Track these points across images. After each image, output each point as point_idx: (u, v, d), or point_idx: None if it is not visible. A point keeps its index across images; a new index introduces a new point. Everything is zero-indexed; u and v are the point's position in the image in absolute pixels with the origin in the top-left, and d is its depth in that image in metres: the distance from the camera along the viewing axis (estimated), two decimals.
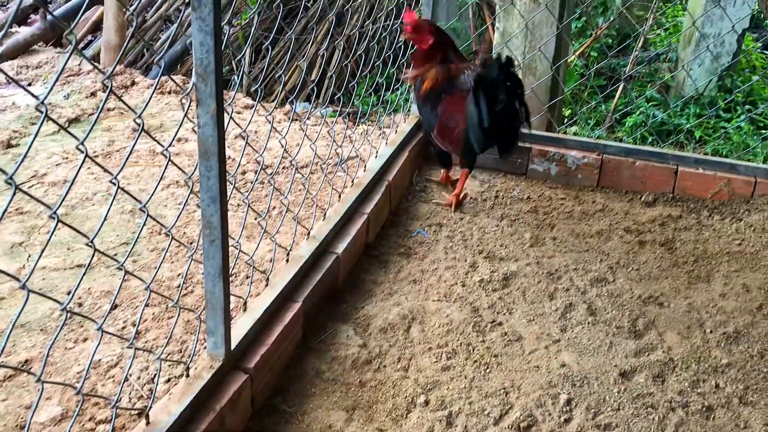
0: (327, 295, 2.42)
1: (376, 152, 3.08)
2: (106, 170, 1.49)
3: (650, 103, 4.94)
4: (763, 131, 4.67)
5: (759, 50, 5.98)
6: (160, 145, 1.57)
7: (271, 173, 3.05)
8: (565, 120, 4.76)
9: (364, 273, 2.64)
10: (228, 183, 1.73)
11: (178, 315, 2.08)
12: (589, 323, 2.44)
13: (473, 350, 2.28)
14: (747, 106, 4.80)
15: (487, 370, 2.20)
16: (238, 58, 4.76)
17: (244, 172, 3.29)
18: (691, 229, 3.02)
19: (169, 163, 1.61)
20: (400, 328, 2.35)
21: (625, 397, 2.11)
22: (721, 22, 4.96)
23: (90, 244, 1.41)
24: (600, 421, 2.01)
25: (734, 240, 2.94)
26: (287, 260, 2.30)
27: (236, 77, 4.96)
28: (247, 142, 2.02)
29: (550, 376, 2.17)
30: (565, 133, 4.72)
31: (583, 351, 2.30)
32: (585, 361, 2.25)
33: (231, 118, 1.89)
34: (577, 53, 5.24)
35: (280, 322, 2.09)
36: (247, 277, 2.41)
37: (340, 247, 2.49)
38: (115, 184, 1.43)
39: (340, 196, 2.71)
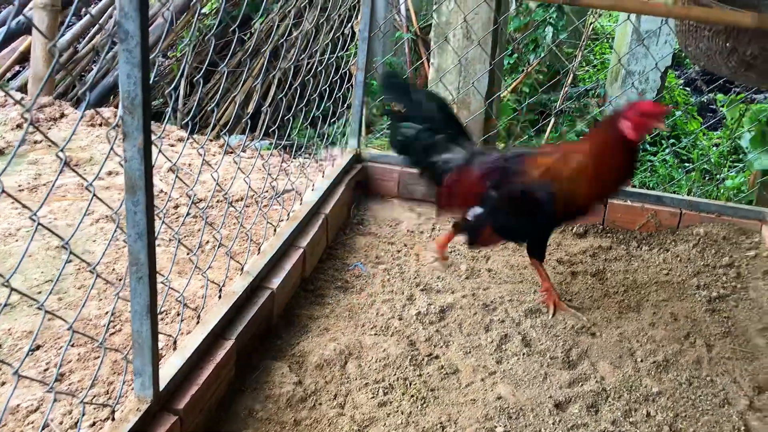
0: (261, 332, 2.37)
1: (313, 185, 3.06)
2: (25, 206, 1.43)
3: (580, 138, 5.09)
4: (687, 164, 4.86)
5: (681, 86, 6.27)
6: (84, 179, 1.52)
7: (203, 207, 2.99)
8: None
9: (301, 308, 2.60)
10: (157, 218, 1.68)
11: (104, 355, 2.00)
12: (524, 354, 2.45)
13: (410, 385, 2.27)
14: (671, 140, 5.01)
15: (424, 405, 2.19)
16: (169, 90, 4.69)
17: (176, 206, 3.22)
18: (621, 260, 3.10)
19: (95, 197, 1.56)
20: (336, 363, 2.32)
21: (560, 429, 2.12)
22: (645, 60, 5.19)
23: (6, 283, 1.34)
24: None
25: (662, 270, 3.03)
26: (219, 296, 2.25)
27: (170, 109, 4.89)
28: (177, 176, 1.97)
29: (487, 408, 2.17)
30: None
31: (519, 382, 2.31)
32: (521, 392, 2.26)
33: (160, 151, 1.85)
34: (510, 89, 5.38)
35: (212, 361, 2.03)
36: (178, 315, 2.34)
37: (275, 282, 2.45)
38: (34, 221, 1.37)
39: (275, 230, 2.68)
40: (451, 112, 2.82)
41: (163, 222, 1.95)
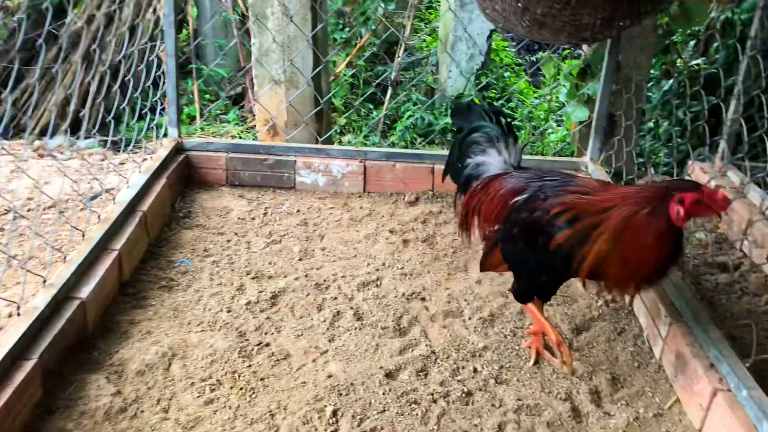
0: (73, 346, 2.21)
1: (128, 182, 2.90)
2: None
3: (417, 106, 5.17)
4: (516, 123, 5.06)
5: (512, 48, 6.51)
6: None
7: (14, 216, 2.76)
8: (332, 129, 4.84)
9: (120, 314, 2.45)
10: None
11: None
12: (356, 329, 2.45)
13: (239, 377, 2.20)
14: (500, 101, 5.18)
15: (253, 396, 2.13)
16: None
17: None
18: (450, 223, 3.17)
19: None
20: (159, 367, 2.21)
21: (390, 398, 2.14)
22: (471, 25, 5.33)
23: None
24: (366, 427, 2.01)
25: None
26: (18, 314, 2.07)
27: None
28: None
29: (317, 389, 2.15)
30: (339, 142, 4.81)
31: (350, 358, 2.31)
32: (352, 368, 2.26)
33: None
34: (344, 63, 5.36)
35: (10, 385, 1.87)
36: None
37: (86, 291, 2.29)
38: None
39: (84, 235, 2.51)
40: (497, 110, 2.51)
41: None
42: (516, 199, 2.21)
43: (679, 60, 4.05)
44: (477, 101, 5.24)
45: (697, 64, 4.17)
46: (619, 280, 2.02)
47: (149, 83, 3.38)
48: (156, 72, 3.44)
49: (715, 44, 4.08)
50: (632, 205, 1.94)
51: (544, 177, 2.24)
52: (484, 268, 2.42)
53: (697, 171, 3.39)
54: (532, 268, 2.19)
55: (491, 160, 2.40)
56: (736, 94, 3.16)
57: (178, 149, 3.33)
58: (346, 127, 5.08)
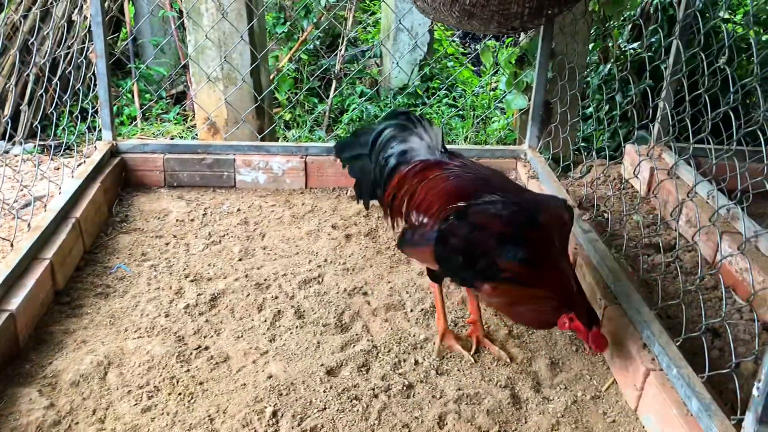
0: (3, 360, 2.15)
1: (59, 189, 2.82)
2: None
3: (362, 98, 5.15)
4: (462, 112, 5.09)
5: (455, 38, 6.52)
6: None
7: None
8: (275, 125, 4.79)
9: (54, 324, 2.40)
10: None
11: None
12: (297, 327, 2.44)
13: (177, 383, 2.17)
14: (444, 92, 5.20)
15: (192, 401, 2.10)
16: None
17: None
18: None
19: None
20: (95, 377, 2.16)
21: (331, 395, 2.13)
22: (412, 15, 5.32)
23: None
24: (306, 426, 2.01)
25: None
26: None
27: None
28: None
29: (257, 391, 2.13)
30: (285, 137, 4.77)
31: (291, 357, 2.30)
32: (292, 367, 2.25)
33: None
34: (286, 58, 5.31)
35: None
36: None
37: (15, 303, 2.23)
38: None
39: (12, 245, 2.44)
40: (403, 112, 2.47)
41: None
42: (460, 204, 2.14)
43: (612, 45, 4.11)
44: (420, 92, 5.25)
45: (633, 49, 4.24)
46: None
47: (81, 85, 3.30)
48: (88, 73, 3.36)
49: (650, 28, 4.15)
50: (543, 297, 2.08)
51: (489, 181, 2.22)
52: (403, 251, 2.42)
53: (633, 154, 3.46)
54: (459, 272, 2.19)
55: (415, 146, 2.34)
56: (667, 77, 3.22)
57: (113, 152, 3.26)
58: (291, 122, 5.03)
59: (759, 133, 2.40)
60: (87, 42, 3.61)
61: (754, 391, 1.62)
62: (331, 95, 5.10)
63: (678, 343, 2.11)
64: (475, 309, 2.39)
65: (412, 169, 2.32)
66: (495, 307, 2.32)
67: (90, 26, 3.17)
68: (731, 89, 2.56)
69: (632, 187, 3.54)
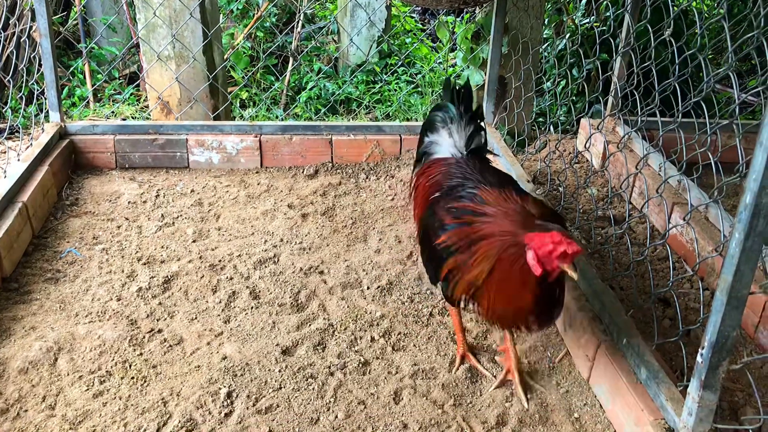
0: None
1: (5, 173, 2.74)
2: None
3: (320, 76, 5.10)
4: (419, 89, 5.07)
5: (414, 15, 6.48)
6: None
7: None
8: (229, 103, 4.72)
9: (2, 311, 2.34)
10: None
11: None
12: (252, 308, 2.42)
13: (130, 367, 2.14)
14: (402, 68, 5.17)
15: (145, 384, 2.08)
16: None
17: None
18: (350, 194, 3.16)
19: None
20: (44, 363, 2.12)
21: (287, 374, 2.12)
22: None
23: None
24: (261, 406, 2.00)
25: (388, 197, 3.14)
26: None
27: None
28: None
29: (211, 372, 2.11)
30: (241, 117, 4.70)
31: (246, 338, 2.28)
32: (247, 348, 2.23)
33: None
34: (242, 35, 5.21)
35: None
36: None
37: None
38: None
39: None
40: (463, 91, 2.40)
41: None
42: (435, 195, 2.16)
43: (566, 19, 4.12)
44: (378, 69, 5.21)
45: (588, 23, 4.26)
46: (493, 314, 1.89)
47: (25, 65, 3.20)
48: (34, 53, 3.26)
49: (603, 1, 4.17)
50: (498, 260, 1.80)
51: (467, 175, 2.16)
52: None
53: (587, 127, 3.49)
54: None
55: (441, 141, 2.38)
56: (619, 51, 3.25)
57: (62, 134, 3.18)
58: (248, 101, 4.96)
59: (703, 104, 2.43)
60: (32, 21, 3.51)
61: (698, 358, 1.65)
62: (288, 73, 5.03)
63: (630, 313, 2.15)
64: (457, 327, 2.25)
65: (425, 165, 2.36)
66: (492, 319, 1.96)
67: (33, 4, 3.07)
68: (676, 61, 2.59)
69: (587, 160, 3.57)
